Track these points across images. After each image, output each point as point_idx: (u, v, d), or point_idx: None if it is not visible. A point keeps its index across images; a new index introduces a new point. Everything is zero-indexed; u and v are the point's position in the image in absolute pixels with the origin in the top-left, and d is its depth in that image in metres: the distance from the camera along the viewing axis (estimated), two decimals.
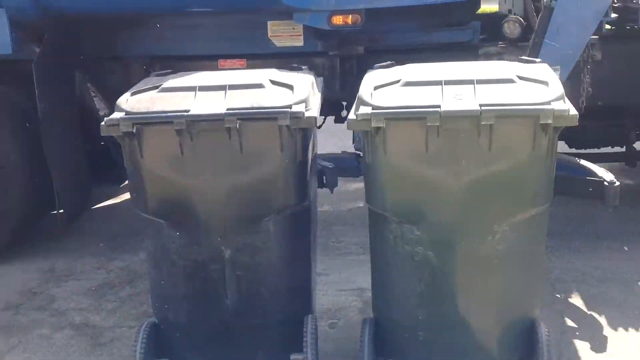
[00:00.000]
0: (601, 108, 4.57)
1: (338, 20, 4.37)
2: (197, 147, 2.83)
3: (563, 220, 4.94)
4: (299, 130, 2.89)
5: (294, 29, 4.61)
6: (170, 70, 3.29)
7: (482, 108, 2.65)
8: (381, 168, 2.84)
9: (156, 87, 2.96)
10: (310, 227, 3.29)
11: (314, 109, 2.92)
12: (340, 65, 4.74)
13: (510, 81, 2.81)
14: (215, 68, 4.56)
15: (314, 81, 3.18)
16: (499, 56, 4.54)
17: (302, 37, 4.62)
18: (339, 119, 5.09)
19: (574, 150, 5.26)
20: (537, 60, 3.18)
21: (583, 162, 3.78)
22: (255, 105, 2.83)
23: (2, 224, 4.67)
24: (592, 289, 4.04)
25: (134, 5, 4.42)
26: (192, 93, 2.89)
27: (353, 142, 3.84)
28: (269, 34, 4.64)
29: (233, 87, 2.91)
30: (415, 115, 2.70)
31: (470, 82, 2.79)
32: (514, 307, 2.97)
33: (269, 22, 4.61)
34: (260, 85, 2.93)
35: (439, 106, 2.68)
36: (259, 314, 3.10)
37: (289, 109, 2.82)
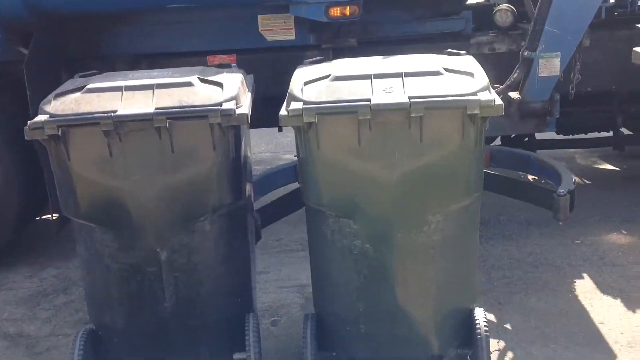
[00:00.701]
0: (589, 94, 4.67)
1: (336, 12, 4.30)
2: (127, 148, 2.78)
3: (497, 208, 5.04)
4: (231, 128, 2.87)
5: (285, 22, 4.53)
6: (95, 71, 3.22)
7: (412, 100, 2.69)
8: (315, 163, 2.84)
9: (81, 88, 2.89)
10: (248, 225, 3.28)
11: (244, 106, 2.90)
12: (333, 58, 4.68)
13: (437, 73, 2.85)
14: (205, 65, 4.47)
15: (244, 79, 3.16)
16: (490, 45, 4.63)
17: (293, 31, 4.55)
18: None
19: (561, 137, 5.34)
20: (462, 52, 3.24)
21: (552, 162, 3.91)
22: (184, 104, 2.80)
23: None
24: (527, 274, 4.13)
25: (119, 1, 4.29)
26: (119, 93, 2.83)
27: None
28: (260, 28, 4.55)
29: (161, 86, 2.86)
30: (346, 110, 2.72)
31: (399, 75, 2.82)
32: (451, 296, 3.01)
33: (259, 16, 4.52)
34: (189, 84, 2.89)
35: (369, 100, 2.71)
36: (198, 315, 3.06)
37: (219, 107, 2.79)
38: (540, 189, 3.82)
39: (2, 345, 3.72)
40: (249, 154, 3.42)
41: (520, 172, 4.51)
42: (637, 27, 4.65)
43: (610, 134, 5.32)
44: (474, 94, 2.74)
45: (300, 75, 3.00)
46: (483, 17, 4.80)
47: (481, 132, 2.81)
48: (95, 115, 2.75)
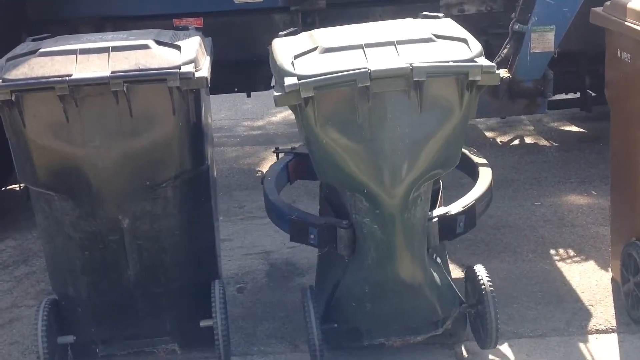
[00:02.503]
0: (557, 55, 4.43)
1: None
2: (83, 114, 2.72)
3: (458, 172, 5.07)
4: (190, 92, 2.82)
5: None
6: (47, 35, 3.13)
7: (414, 65, 2.58)
8: (317, 142, 2.71)
9: (34, 52, 2.82)
10: (210, 191, 3.25)
11: (204, 69, 2.86)
12: (302, 20, 4.60)
13: (430, 40, 2.78)
14: (171, 28, 4.39)
15: (202, 42, 3.11)
16: (459, 7, 4.52)
17: None
18: None
19: None
20: (440, 15, 3.14)
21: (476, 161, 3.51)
22: (141, 67, 2.74)
23: None
24: (489, 236, 4.17)
25: None
26: (73, 57, 2.77)
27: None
28: None
29: (117, 49, 2.80)
30: (344, 79, 2.59)
31: (391, 43, 2.73)
32: None
33: None
34: (145, 46, 2.83)
35: (367, 68, 2.59)
36: (163, 283, 3.05)
37: (177, 70, 2.74)
38: None
39: None
40: (209, 120, 3.39)
41: None
42: None
43: (578, 95, 5.34)
44: (472, 60, 2.67)
45: (283, 49, 2.87)
46: None
47: (476, 101, 2.74)
48: (49, 79, 2.68)
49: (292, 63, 2.70)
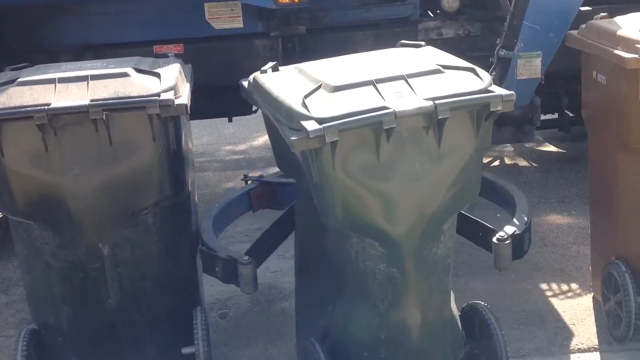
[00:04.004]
0: (543, 81, 4.36)
1: None
2: (63, 142, 2.71)
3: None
4: (170, 118, 2.83)
5: (232, 10, 4.45)
6: (26, 64, 3.13)
7: (437, 102, 2.49)
8: (332, 186, 2.55)
9: (12, 82, 2.81)
10: (192, 217, 3.25)
11: (184, 96, 2.86)
12: (282, 46, 4.60)
13: (438, 71, 2.69)
14: (152, 55, 4.40)
15: (182, 68, 3.12)
16: (438, 30, 4.55)
17: (241, 19, 4.46)
18: None
19: None
20: (422, 43, 3.06)
21: (513, 191, 3.44)
22: (121, 94, 2.74)
23: None
24: (471, 257, 4.08)
25: None
26: (52, 86, 2.76)
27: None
28: (207, 16, 4.46)
29: (95, 77, 2.80)
30: (370, 121, 2.45)
31: (401, 77, 2.63)
32: None
33: (205, 4, 4.43)
34: (124, 75, 2.83)
35: (388, 107, 2.47)
36: (144, 310, 3.03)
37: (157, 97, 2.74)
38: (480, 225, 3.26)
39: None
40: (190, 146, 3.38)
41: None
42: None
43: (556, 115, 5.39)
44: (487, 90, 2.60)
45: (281, 87, 2.73)
46: (430, 2, 4.81)
47: (490, 130, 2.69)
48: (28, 108, 2.67)
49: (304, 104, 2.53)
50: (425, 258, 2.68)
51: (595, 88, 3.34)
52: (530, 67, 3.95)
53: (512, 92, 2.61)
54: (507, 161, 5.79)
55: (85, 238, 2.86)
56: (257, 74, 2.93)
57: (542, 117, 5.48)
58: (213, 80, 4.49)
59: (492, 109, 2.56)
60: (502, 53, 4.00)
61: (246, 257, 2.86)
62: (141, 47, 4.35)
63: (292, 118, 2.52)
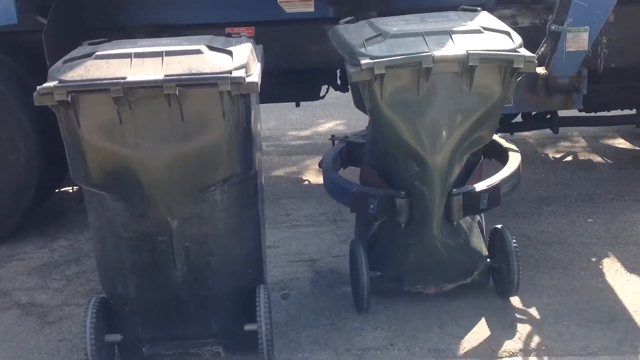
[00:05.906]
0: (614, 70, 4.56)
1: None
2: (136, 116, 2.77)
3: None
4: (241, 96, 2.85)
5: None
6: (104, 39, 3.21)
7: (469, 52, 3.04)
8: (380, 113, 3.17)
9: (90, 55, 2.88)
10: (258, 196, 3.27)
11: (254, 75, 2.89)
12: None
13: (479, 31, 3.25)
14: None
15: (253, 48, 3.14)
16: (513, 19, 4.58)
17: (313, 3, 4.51)
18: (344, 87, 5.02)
19: (584, 114, 5.21)
20: (478, 8, 3.53)
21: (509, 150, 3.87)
22: (193, 71, 2.78)
23: (17, 202, 4.48)
24: (539, 252, 4.10)
25: None
26: (128, 60, 2.83)
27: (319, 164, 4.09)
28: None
29: (170, 53, 2.85)
30: (412, 61, 3.05)
31: (447, 32, 3.20)
32: None
33: None
34: (198, 52, 2.88)
35: (430, 52, 3.05)
36: (209, 285, 3.07)
37: (229, 75, 2.77)
38: None
39: (14, 313, 3.75)
40: (259, 127, 3.41)
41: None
42: None
43: (634, 111, 5.22)
44: (515, 50, 3.13)
45: (350, 34, 3.37)
46: None
47: (514, 86, 3.21)
48: (104, 81, 2.74)
49: (364, 45, 3.16)
50: (448, 182, 3.28)
51: None
52: (578, 40, 4.25)
53: (534, 55, 3.13)
54: (581, 157, 5.64)
55: (154, 211, 2.92)
56: (336, 25, 3.66)
57: (620, 112, 5.35)
58: (283, 64, 4.51)
59: (514, 66, 3.09)
60: (553, 27, 4.29)
61: (403, 192, 3.33)
62: (214, 29, 4.39)
63: (354, 56, 3.17)
